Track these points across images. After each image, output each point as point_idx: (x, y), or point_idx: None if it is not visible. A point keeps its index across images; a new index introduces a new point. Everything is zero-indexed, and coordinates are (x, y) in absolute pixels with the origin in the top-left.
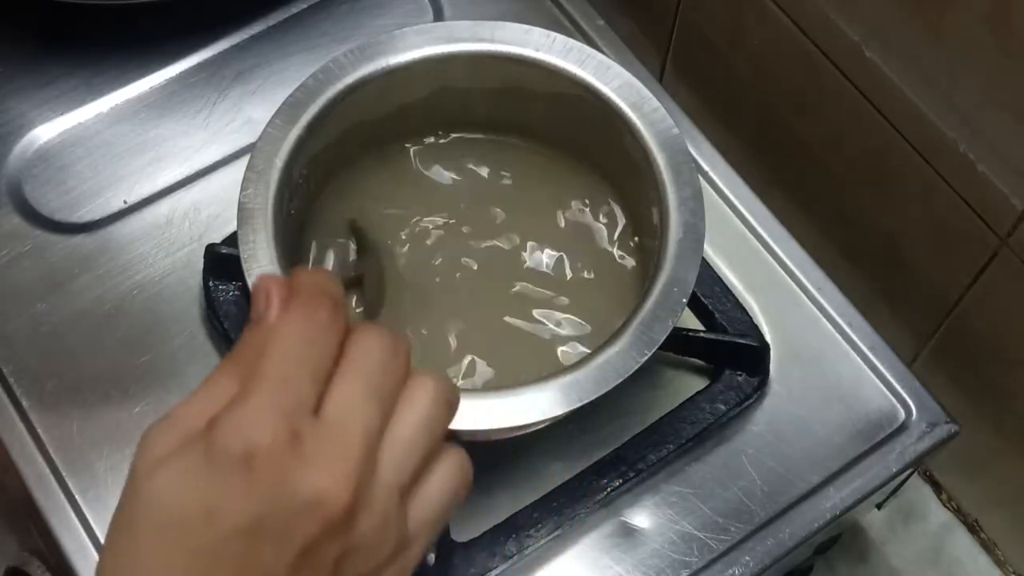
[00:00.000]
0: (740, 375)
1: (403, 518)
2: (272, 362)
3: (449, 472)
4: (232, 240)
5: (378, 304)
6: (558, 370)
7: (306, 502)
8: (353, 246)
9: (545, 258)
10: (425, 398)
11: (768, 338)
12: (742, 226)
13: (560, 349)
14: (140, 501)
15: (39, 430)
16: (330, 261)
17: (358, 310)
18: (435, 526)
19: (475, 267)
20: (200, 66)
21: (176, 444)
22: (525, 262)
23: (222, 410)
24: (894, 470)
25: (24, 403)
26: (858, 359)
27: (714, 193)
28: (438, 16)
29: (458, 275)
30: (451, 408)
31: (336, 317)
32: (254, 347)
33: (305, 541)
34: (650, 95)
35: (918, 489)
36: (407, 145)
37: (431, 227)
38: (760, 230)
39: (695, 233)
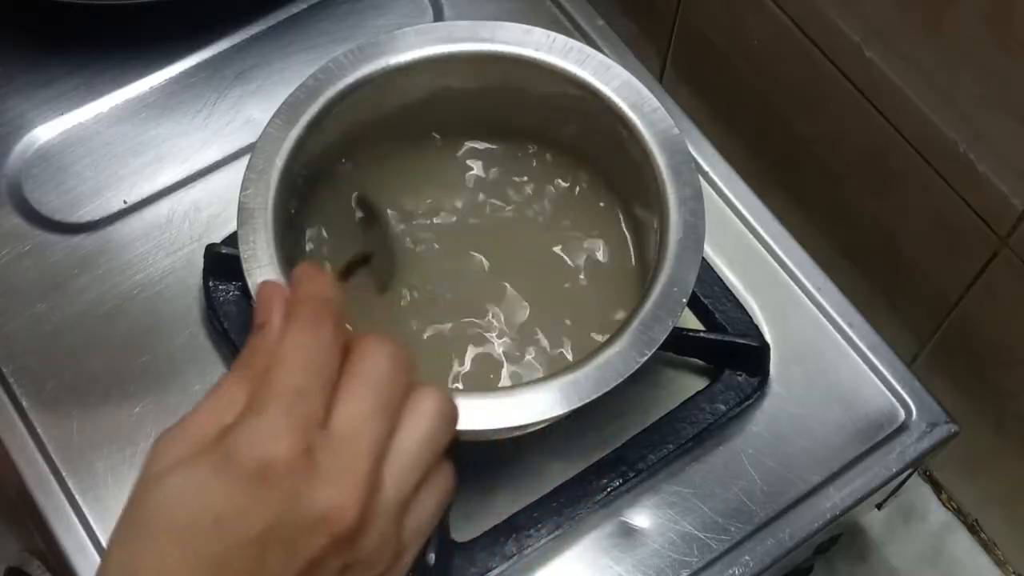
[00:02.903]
0: (740, 375)
1: (400, 530)
2: (284, 375)
3: (440, 484)
4: (232, 240)
5: (389, 279)
6: (558, 370)
7: (316, 516)
8: (361, 217)
9: (546, 255)
10: (427, 414)
11: (768, 338)
12: (742, 226)
13: (560, 350)
14: (151, 504)
15: (39, 430)
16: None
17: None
18: (425, 535)
19: (475, 263)
20: (200, 66)
21: (188, 451)
22: (527, 259)
23: (236, 421)
24: (894, 470)
25: (24, 403)
26: (858, 359)
27: (714, 193)
28: (438, 16)
29: (460, 271)
30: (451, 424)
31: (340, 328)
32: (260, 355)
33: (312, 554)
34: (650, 95)
35: (918, 489)
36: (407, 145)
37: (431, 225)
38: (760, 230)
39: (695, 233)
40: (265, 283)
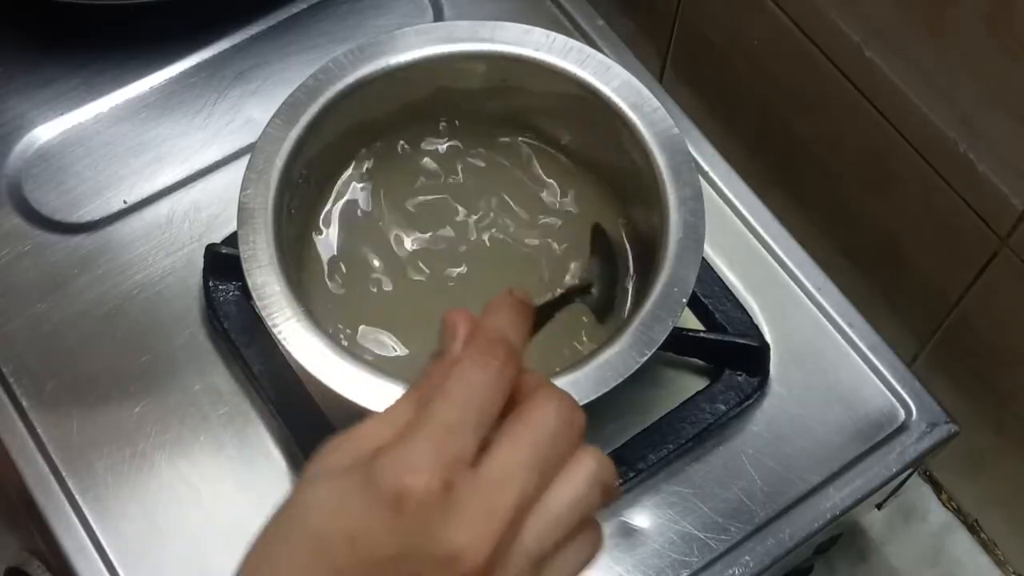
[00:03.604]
0: (740, 375)
1: None
2: (441, 408)
3: (585, 547)
4: (232, 240)
5: (607, 312)
6: (558, 370)
7: (443, 555)
8: (593, 245)
9: (546, 254)
10: (584, 477)
11: (768, 338)
12: (742, 226)
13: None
14: (297, 506)
15: (39, 430)
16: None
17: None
18: None
19: (478, 262)
20: (200, 66)
21: (342, 463)
22: (528, 259)
23: (387, 445)
24: (894, 470)
25: (24, 403)
26: (858, 359)
27: (714, 193)
28: (438, 16)
29: (462, 271)
30: (606, 493)
31: (507, 365)
32: (432, 380)
33: None
34: (650, 95)
35: (918, 489)
36: (407, 145)
37: (433, 224)
38: (760, 230)
39: (695, 233)
40: (452, 310)
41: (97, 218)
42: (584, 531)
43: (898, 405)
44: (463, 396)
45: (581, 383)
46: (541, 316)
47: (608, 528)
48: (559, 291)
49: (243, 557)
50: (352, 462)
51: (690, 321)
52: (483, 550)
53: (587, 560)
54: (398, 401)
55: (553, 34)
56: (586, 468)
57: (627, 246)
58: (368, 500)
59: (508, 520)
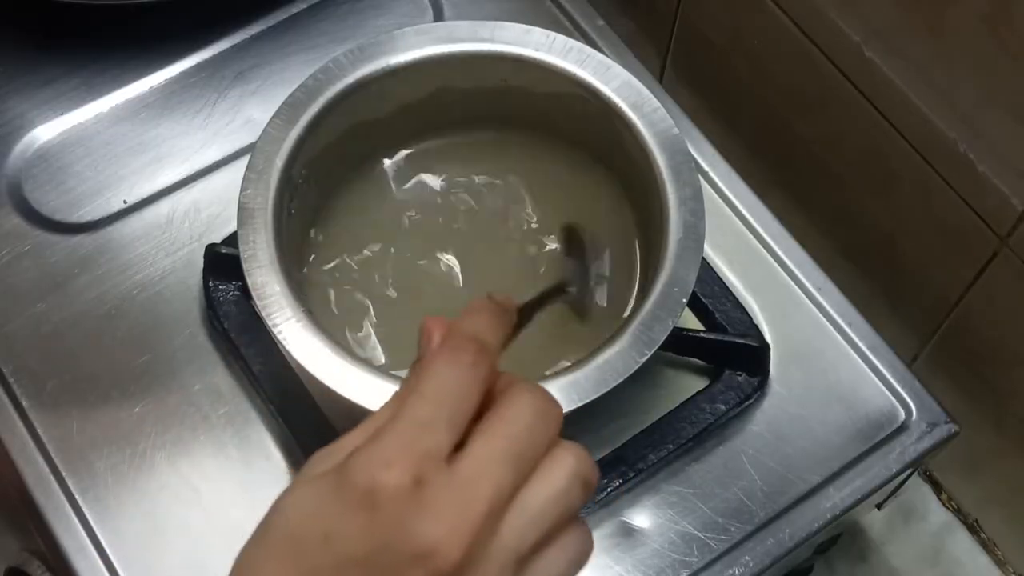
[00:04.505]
0: (740, 375)
1: None
2: (413, 405)
3: (572, 548)
4: (232, 240)
5: (586, 310)
6: (558, 370)
7: (417, 550)
8: (564, 245)
9: (546, 253)
10: (563, 472)
11: (768, 338)
12: (742, 226)
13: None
14: (275, 511)
15: (39, 430)
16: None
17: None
18: None
19: (475, 264)
20: (200, 66)
21: (325, 467)
22: (527, 259)
23: (362, 444)
24: (894, 470)
25: (24, 403)
26: (858, 359)
27: (714, 193)
28: (438, 16)
29: (460, 272)
30: (587, 487)
31: (479, 363)
32: (409, 385)
33: None
34: (650, 95)
35: (918, 489)
36: (407, 145)
37: (432, 225)
38: (760, 230)
39: (695, 233)
40: (429, 317)
41: (97, 218)
42: (568, 530)
43: (898, 405)
44: (433, 392)
45: (581, 383)
46: (522, 318)
47: (608, 528)
48: (538, 293)
49: (231, 567)
50: (329, 467)
51: (690, 321)
52: (458, 545)
53: (574, 561)
54: (379, 409)
55: (553, 34)
56: (564, 463)
57: (604, 244)
58: (341, 499)
59: (483, 515)
